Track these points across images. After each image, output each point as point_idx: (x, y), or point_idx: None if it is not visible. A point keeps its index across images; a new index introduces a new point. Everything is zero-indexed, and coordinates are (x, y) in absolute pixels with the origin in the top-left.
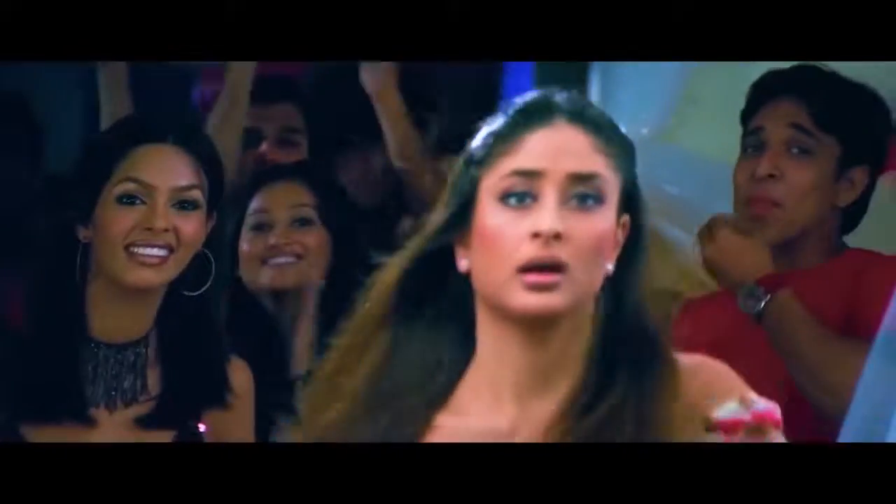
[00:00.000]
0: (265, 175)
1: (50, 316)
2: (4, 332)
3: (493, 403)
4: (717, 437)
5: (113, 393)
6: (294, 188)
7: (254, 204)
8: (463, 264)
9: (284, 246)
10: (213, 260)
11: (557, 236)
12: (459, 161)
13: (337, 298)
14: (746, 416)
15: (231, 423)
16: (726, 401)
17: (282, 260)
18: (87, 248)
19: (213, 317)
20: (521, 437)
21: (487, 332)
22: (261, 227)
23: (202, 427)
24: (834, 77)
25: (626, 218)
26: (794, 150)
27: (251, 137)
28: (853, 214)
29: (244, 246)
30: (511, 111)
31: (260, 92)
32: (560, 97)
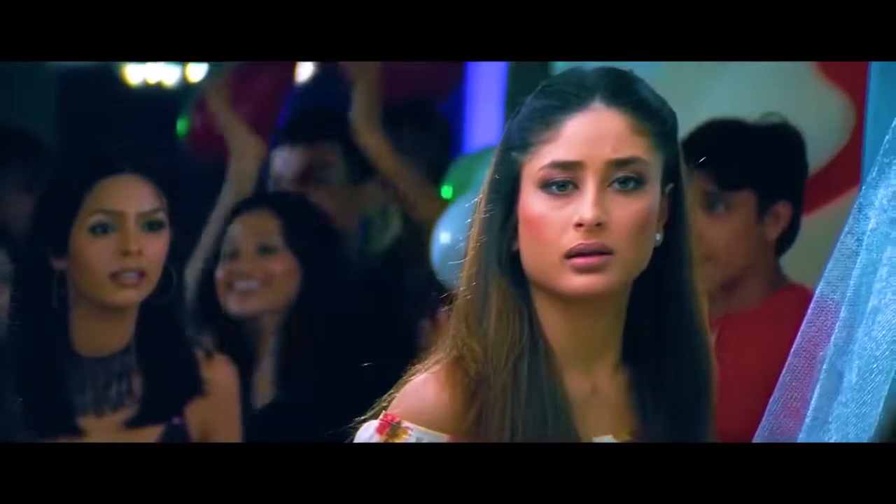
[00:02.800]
0: (239, 206)
1: (33, 340)
2: None
3: (567, 373)
4: None
5: (101, 402)
6: (262, 217)
7: (228, 234)
8: (513, 246)
9: (249, 272)
10: (174, 273)
11: (600, 224)
12: (498, 147)
13: (305, 323)
14: None
15: (215, 414)
16: None
17: (245, 286)
18: (63, 276)
19: (179, 319)
20: (601, 395)
21: (545, 310)
22: (231, 256)
23: (176, 420)
24: (737, 128)
25: (670, 187)
26: (711, 210)
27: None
28: (785, 242)
29: (218, 274)
30: (549, 92)
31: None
32: (599, 74)
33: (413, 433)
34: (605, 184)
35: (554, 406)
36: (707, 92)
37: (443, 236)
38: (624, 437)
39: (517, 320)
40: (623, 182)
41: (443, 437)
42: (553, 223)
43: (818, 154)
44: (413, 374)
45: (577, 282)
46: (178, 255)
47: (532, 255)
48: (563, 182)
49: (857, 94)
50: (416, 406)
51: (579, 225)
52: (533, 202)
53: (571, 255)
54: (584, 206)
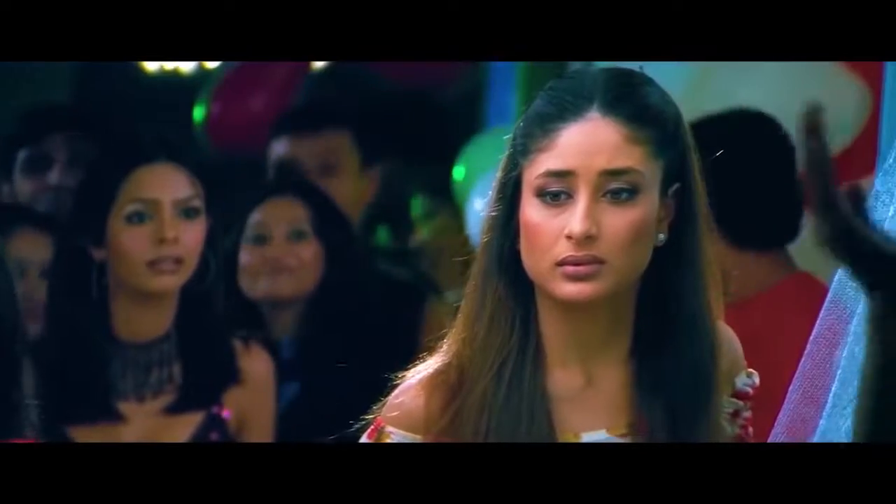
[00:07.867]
0: (263, 190)
1: (75, 328)
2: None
3: (562, 368)
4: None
5: (142, 387)
6: (290, 203)
7: (253, 218)
8: (516, 245)
9: (281, 258)
10: (212, 260)
11: (590, 237)
12: (507, 145)
13: (329, 308)
14: (750, 391)
15: (251, 403)
16: (741, 371)
17: (279, 272)
18: (103, 266)
19: (216, 308)
20: (597, 390)
21: (545, 308)
22: (259, 240)
23: (226, 414)
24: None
25: (677, 186)
26: None
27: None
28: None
29: (243, 258)
30: (550, 97)
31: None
32: (600, 80)
33: (395, 437)
34: (597, 194)
35: (530, 409)
36: (719, 79)
37: (477, 204)
38: (620, 432)
39: (508, 323)
40: (616, 193)
41: (419, 440)
42: (546, 232)
43: (834, 141)
44: (403, 378)
45: (568, 289)
46: (214, 240)
47: (528, 259)
48: (556, 192)
49: (874, 81)
50: (396, 410)
51: (570, 237)
52: (530, 209)
53: (562, 263)
54: (574, 218)
